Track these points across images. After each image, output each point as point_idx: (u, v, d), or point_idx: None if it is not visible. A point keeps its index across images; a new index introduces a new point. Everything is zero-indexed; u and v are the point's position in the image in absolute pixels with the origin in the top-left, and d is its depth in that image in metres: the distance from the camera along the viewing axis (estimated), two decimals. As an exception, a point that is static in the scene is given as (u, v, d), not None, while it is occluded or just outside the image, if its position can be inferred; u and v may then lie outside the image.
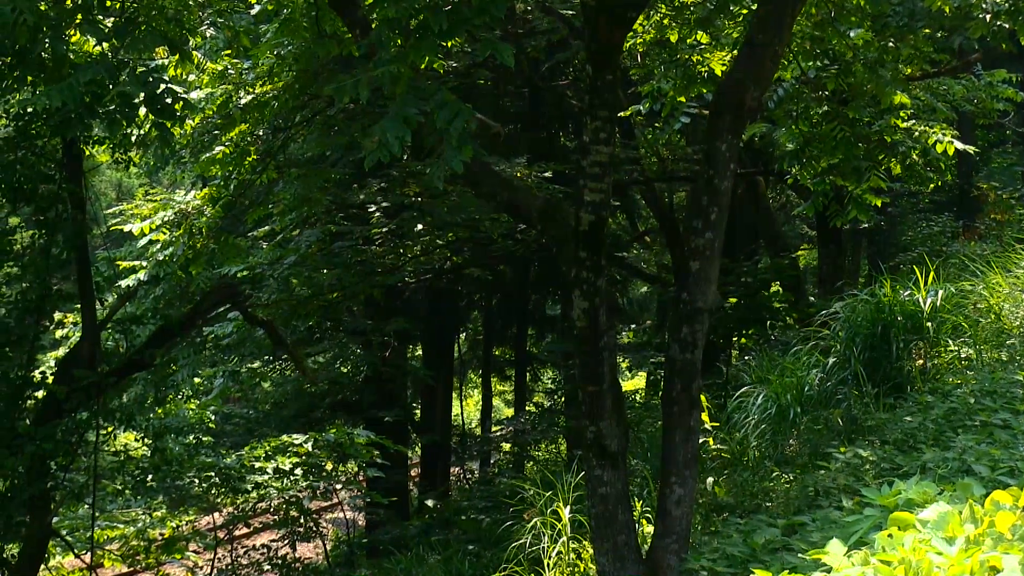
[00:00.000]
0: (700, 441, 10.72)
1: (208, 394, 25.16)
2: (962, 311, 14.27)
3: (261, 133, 14.49)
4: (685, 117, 14.92)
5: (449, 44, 9.07)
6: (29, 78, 10.22)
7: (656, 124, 20.75)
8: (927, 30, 14.12)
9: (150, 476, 18.21)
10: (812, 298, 22.45)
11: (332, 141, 15.91)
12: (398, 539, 21.12)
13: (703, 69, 13.51)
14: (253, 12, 12.50)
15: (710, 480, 12.91)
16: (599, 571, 9.71)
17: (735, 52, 12.04)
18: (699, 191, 9.50)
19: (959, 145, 13.79)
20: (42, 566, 17.31)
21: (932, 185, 17.41)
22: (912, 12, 14.03)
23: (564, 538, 11.96)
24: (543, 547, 12.06)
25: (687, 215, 9.92)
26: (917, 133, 13.90)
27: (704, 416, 12.63)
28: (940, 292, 14.20)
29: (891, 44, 12.87)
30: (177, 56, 11.22)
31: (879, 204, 13.46)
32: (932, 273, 14.58)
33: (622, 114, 16.30)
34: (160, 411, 21.28)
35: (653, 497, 11.62)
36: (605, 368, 9.52)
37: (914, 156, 14.27)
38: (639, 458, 16.13)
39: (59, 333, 20.58)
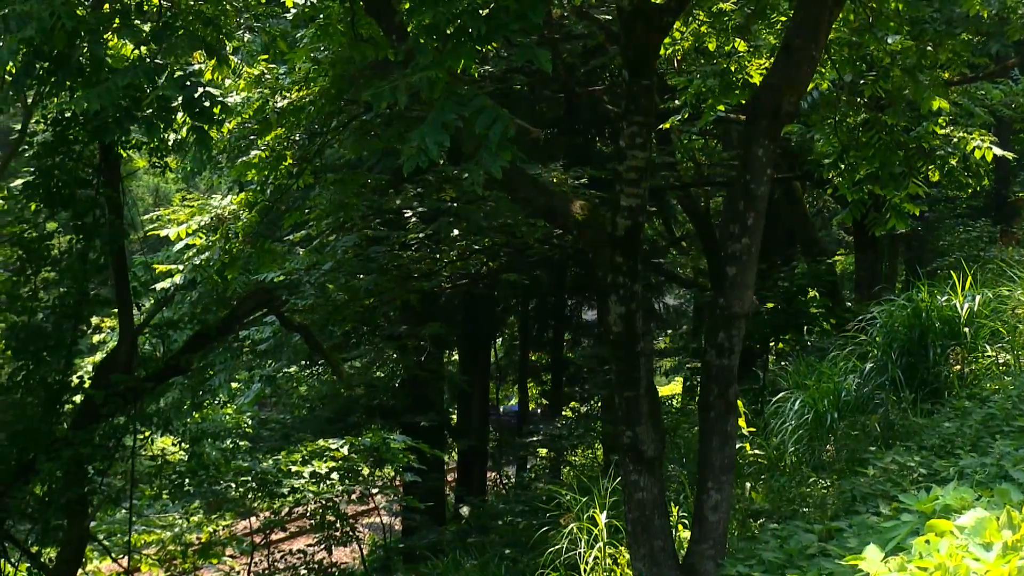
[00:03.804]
0: (737, 446, 10.70)
1: (245, 398, 25.24)
2: (1000, 316, 14.21)
3: (297, 138, 14.53)
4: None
5: (485, 49, 9.08)
6: (67, 83, 10.27)
7: (692, 129, 20.72)
8: (965, 35, 14.05)
9: (187, 480, 18.22)
10: (849, 303, 22.38)
11: (368, 146, 15.91)
12: (435, 544, 21.10)
13: (740, 77, 13.48)
14: (289, 16, 12.54)
15: (747, 485, 12.88)
16: (635, 576, 9.70)
17: (772, 59, 12.02)
18: (736, 196, 9.48)
19: (997, 151, 13.73)
20: (79, 570, 17.33)
21: (970, 191, 17.34)
22: (950, 18, 13.99)
23: (600, 543, 11.95)
24: (579, 552, 12.04)
25: (723, 220, 9.88)
26: (956, 139, 13.85)
27: (741, 421, 12.61)
28: (978, 297, 14.15)
29: (929, 49, 12.81)
30: (214, 60, 11.26)
31: (917, 212, 13.40)
32: (970, 278, 14.53)
33: (663, 126, 16.28)
34: (197, 416, 21.33)
35: (690, 503, 11.60)
36: (641, 373, 9.51)
37: (952, 162, 14.21)
38: (676, 463, 16.10)
39: (96, 338, 20.67)
